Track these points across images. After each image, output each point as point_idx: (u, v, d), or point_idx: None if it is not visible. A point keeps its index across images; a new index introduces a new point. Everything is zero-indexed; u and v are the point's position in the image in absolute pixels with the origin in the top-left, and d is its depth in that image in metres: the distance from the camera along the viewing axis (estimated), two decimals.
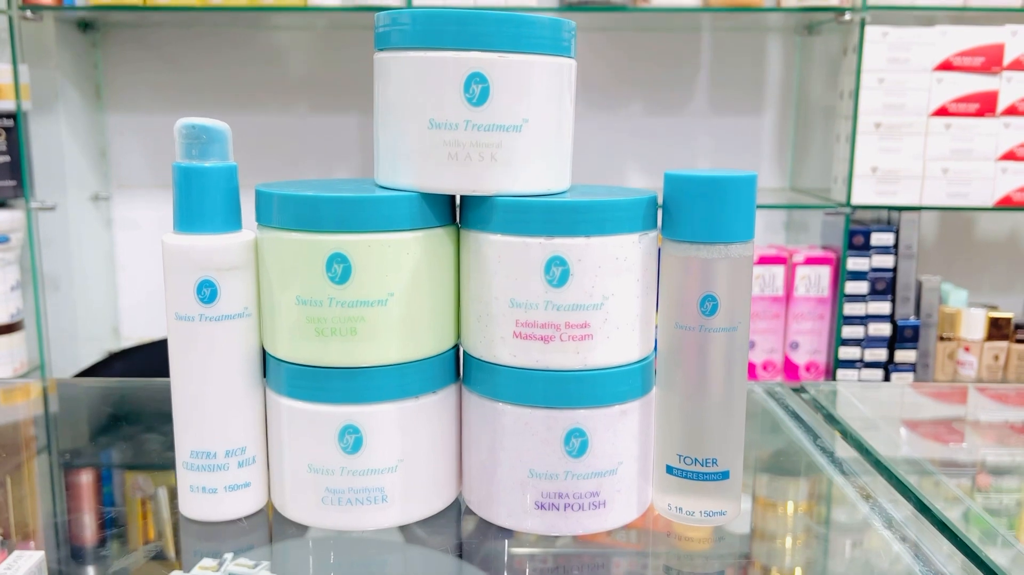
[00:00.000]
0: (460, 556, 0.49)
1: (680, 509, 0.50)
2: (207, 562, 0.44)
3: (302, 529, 0.50)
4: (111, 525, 0.52)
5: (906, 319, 1.57)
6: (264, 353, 0.51)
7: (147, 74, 1.76)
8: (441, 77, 0.46)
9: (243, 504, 0.51)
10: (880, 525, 0.52)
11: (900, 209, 1.54)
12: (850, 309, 1.56)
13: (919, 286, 1.57)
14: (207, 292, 0.48)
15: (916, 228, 1.55)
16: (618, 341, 0.48)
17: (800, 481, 0.61)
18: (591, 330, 0.47)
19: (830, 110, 1.64)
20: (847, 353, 1.57)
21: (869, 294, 1.55)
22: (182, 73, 1.76)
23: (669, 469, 0.50)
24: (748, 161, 1.79)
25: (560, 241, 0.46)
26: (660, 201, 0.49)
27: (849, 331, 1.56)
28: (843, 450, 0.64)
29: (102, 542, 0.50)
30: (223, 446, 0.50)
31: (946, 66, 1.48)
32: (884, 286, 1.55)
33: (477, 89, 0.46)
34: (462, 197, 0.50)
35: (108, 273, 1.82)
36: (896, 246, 1.55)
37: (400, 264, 0.47)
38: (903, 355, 1.57)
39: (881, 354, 1.56)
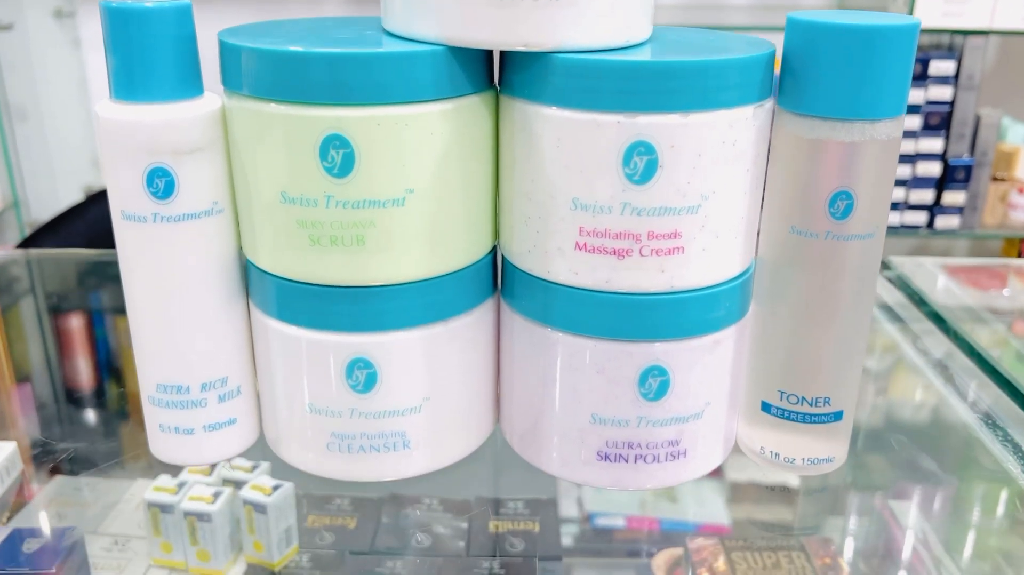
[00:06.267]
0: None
1: (777, 455, 0.40)
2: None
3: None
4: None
5: (959, 158, 1.43)
6: (245, 259, 0.39)
7: None
8: None
9: (228, 445, 0.40)
10: None
11: (966, 33, 1.36)
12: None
13: (977, 121, 1.42)
14: (160, 184, 0.35)
15: (982, 56, 1.38)
16: (716, 254, 0.36)
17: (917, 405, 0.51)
18: (682, 241, 0.35)
19: None
20: None
21: (921, 130, 1.40)
22: None
23: (766, 407, 0.40)
24: None
25: (646, 119, 0.33)
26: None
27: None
28: (951, 355, 0.53)
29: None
30: (198, 378, 0.39)
31: None
32: (938, 121, 1.40)
33: None
34: (504, 53, 0.36)
35: (81, 99, 1.65)
36: (957, 76, 1.38)
37: (422, 148, 0.34)
38: (951, 197, 1.44)
39: (927, 196, 1.44)
